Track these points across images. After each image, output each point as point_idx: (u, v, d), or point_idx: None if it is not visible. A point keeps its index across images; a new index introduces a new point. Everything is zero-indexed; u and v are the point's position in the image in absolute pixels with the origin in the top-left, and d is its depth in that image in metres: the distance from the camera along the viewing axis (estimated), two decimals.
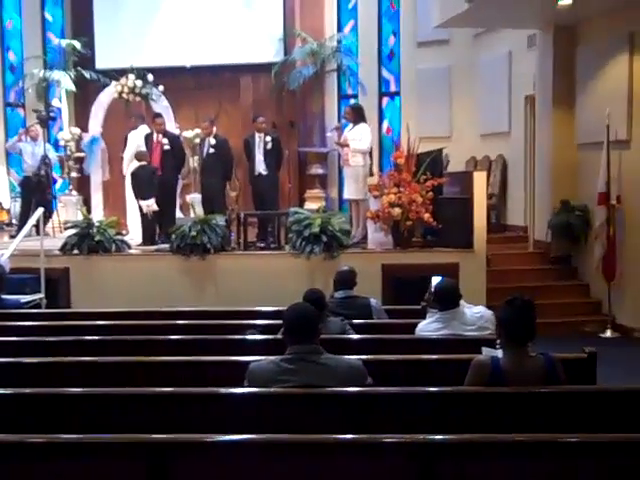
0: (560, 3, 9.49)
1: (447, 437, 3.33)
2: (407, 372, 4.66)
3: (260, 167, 11.42)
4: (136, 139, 12.17)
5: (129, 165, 12.13)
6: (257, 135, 11.44)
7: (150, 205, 10.83)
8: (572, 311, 10.31)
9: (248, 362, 4.19)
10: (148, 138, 11.67)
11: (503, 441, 3.36)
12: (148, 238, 10.89)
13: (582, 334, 9.65)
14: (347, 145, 10.30)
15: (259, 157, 11.39)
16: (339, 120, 11.93)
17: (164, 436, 3.39)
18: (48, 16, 15.75)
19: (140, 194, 10.96)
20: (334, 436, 3.39)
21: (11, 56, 15.72)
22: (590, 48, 10.48)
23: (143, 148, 11.66)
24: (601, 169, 9.72)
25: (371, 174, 10.74)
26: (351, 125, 10.48)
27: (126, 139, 12.53)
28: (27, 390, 4.17)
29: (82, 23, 14.84)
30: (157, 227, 11.14)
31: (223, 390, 4.05)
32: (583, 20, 10.53)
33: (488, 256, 9.86)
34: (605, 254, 9.77)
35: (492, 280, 9.70)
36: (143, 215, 11.02)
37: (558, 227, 10.71)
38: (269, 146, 11.36)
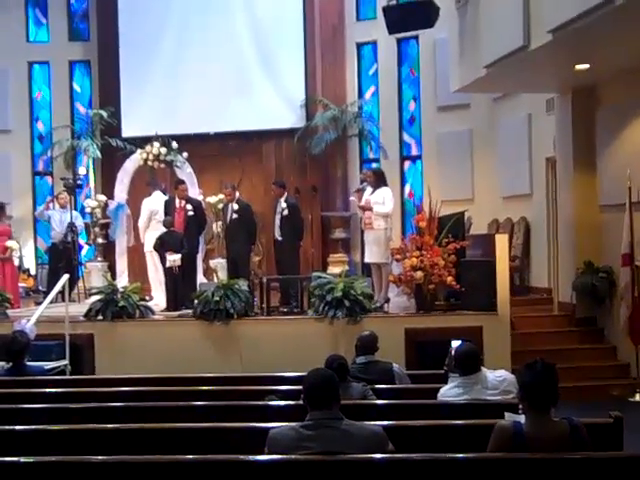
0: (577, 67, 9.62)
1: None
2: (429, 438, 4.61)
3: (277, 233, 11.54)
4: (149, 206, 12.24)
5: (145, 233, 12.23)
6: (277, 200, 11.58)
7: (176, 260, 10.86)
8: (599, 374, 10.15)
9: (270, 428, 4.18)
10: (169, 204, 11.71)
11: None
12: (172, 303, 10.93)
13: (610, 398, 9.46)
14: (370, 209, 10.27)
15: (277, 222, 11.52)
16: (361, 183, 11.99)
17: None
18: (76, 87, 16.24)
19: (167, 249, 11.01)
20: None
21: (40, 126, 16.18)
22: (609, 110, 10.55)
23: (158, 214, 11.77)
24: (624, 230, 9.67)
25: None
26: (372, 189, 10.44)
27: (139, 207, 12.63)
28: (51, 458, 4.17)
29: (109, 93, 15.22)
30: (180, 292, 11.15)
31: (242, 457, 4.02)
32: (600, 83, 10.63)
33: (512, 319, 9.77)
34: (631, 315, 9.64)
35: (516, 343, 9.57)
36: (167, 277, 11.06)
37: (582, 288, 10.64)
38: (285, 212, 11.44)
